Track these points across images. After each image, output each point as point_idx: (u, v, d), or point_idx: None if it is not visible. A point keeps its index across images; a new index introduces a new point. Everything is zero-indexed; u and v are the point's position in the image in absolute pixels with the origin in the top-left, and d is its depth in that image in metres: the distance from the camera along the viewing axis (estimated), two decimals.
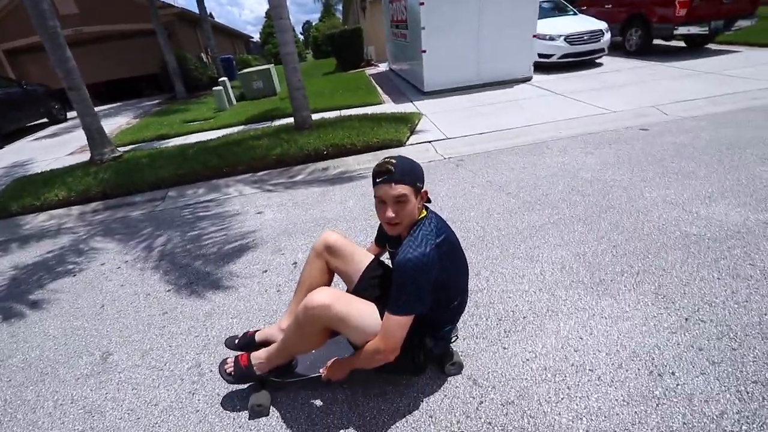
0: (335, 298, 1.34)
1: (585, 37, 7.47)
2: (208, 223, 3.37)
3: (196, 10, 12.63)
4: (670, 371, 1.49)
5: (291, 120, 5.54)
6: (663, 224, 2.43)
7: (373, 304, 1.39)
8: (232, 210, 3.57)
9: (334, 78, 10.85)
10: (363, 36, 12.26)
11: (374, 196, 1.35)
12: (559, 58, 7.58)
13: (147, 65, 13.29)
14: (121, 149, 5.71)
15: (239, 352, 1.66)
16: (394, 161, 1.29)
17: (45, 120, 9.91)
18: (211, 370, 1.80)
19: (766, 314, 1.70)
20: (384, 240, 1.69)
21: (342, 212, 3.20)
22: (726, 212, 2.47)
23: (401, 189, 1.27)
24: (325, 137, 4.65)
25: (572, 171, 3.35)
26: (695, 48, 8.30)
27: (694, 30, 7.38)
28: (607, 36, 7.67)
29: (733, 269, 1.98)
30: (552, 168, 3.47)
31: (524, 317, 1.85)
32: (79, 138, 7.12)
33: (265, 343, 1.68)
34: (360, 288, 1.54)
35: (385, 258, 1.76)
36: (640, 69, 6.94)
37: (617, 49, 8.54)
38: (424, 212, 1.40)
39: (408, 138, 4.69)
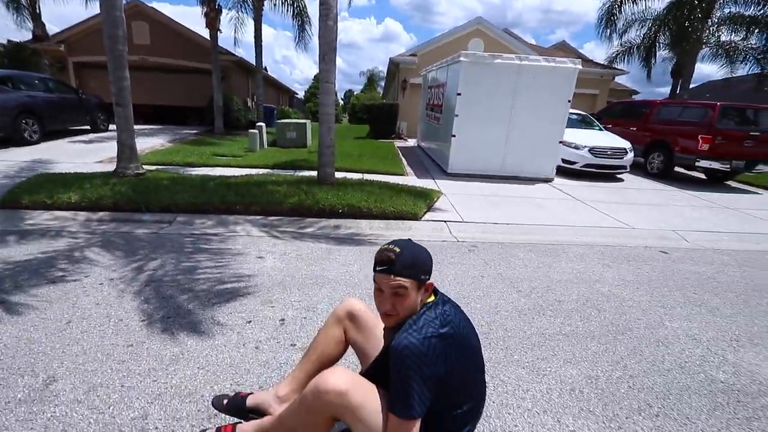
0: (354, 384, 1.15)
1: (608, 152, 7.77)
2: (206, 257, 3.25)
3: (254, 62, 13.85)
4: None
5: (315, 173, 5.66)
6: (686, 362, 2.21)
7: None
8: (234, 249, 3.47)
9: (364, 143, 11.36)
10: (398, 111, 13.11)
11: (373, 281, 1.24)
12: (582, 167, 7.82)
13: (196, 99, 14.53)
14: (147, 167, 5.85)
15: (223, 423, 1.43)
16: (397, 250, 1.18)
17: (87, 127, 10.45)
18: (157, 428, 1.56)
19: None
20: None
21: (344, 275, 3.06)
22: (757, 362, 2.24)
23: (401, 281, 1.16)
24: (343, 196, 4.68)
25: (588, 281, 3.21)
26: (716, 182, 8.51)
27: (715, 165, 7.64)
28: (630, 155, 7.96)
29: None
30: (567, 273, 3.34)
31: None
32: (111, 149, 7.36)
33: (256, 410, 1.47)
34: (375, 369, 1.31)
35: None
36: (661, 192, 7.06)
37: (639, 168, 8.81)
38: (432, 297, 1.27)
39: (424, 213, 4.68)
